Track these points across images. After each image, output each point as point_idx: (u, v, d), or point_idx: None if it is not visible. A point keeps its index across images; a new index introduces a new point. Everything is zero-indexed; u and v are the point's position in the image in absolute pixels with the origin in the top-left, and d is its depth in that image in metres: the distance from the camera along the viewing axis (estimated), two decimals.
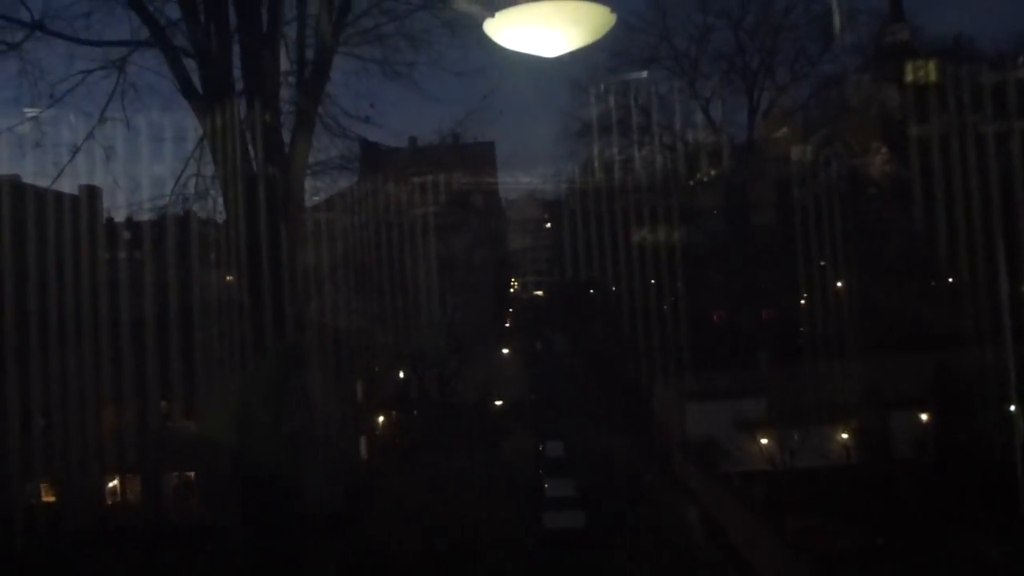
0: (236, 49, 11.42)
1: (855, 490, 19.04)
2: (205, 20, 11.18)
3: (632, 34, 27.69)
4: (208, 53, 11.13)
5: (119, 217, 23.03)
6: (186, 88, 11.34)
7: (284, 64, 11.72)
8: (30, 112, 12.93)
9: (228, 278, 18.62)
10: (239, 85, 11.50)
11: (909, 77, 30.38)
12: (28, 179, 21.11)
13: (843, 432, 21.43)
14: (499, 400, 25.58)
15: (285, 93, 11.87)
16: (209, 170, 11.86)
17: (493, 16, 9.12)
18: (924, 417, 21.71)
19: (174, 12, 11.59)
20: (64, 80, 11.72)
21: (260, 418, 12.77)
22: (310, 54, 11.83)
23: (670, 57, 28.56)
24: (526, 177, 33.98)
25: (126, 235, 23.51)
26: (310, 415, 16.60)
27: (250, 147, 11.24)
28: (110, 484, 20.55)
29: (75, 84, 11.69)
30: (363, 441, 22.67)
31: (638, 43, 28.05)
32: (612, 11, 9.22)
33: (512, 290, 34.52)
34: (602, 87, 26.68)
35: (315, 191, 18.00)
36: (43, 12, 11.54)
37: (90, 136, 11.82)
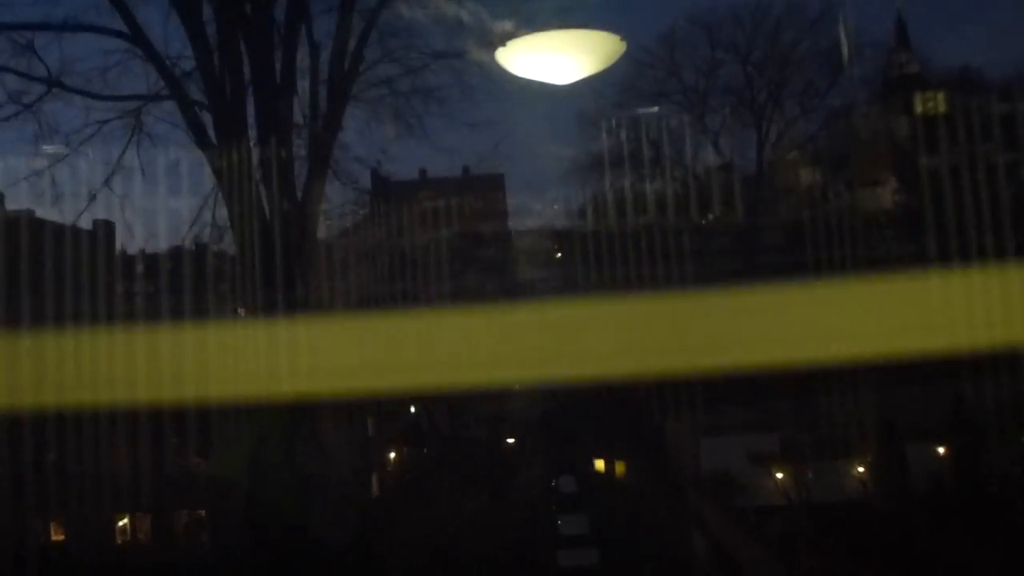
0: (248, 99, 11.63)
1: (872, 526, 18.79)
2: (220, 72, 11.38)
3: (641, 69, 28.06)
4: (223, 104, 11.31)
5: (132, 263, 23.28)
6: (201, 138, 11.54)
7: (297, 116, 11.94)
8: (48, 149, 13.13)
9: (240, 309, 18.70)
10: (252, 133, 11.69)
11: (918, 108, 30.52)
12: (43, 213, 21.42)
13: (859, 466, 21.20)
14: (510, 437, 25.45)
15: (298, 140, 12.07)
16: (222, 215, 12.02)
17: (505, 45, 9.10)
18: (941, 450, 21.45)
19: (188, 63, 11.81)
20: (80, 130, 11.97)
21: (272, 460, 12.76)
22: (323, 105, 12.03)
23: (679, 91, 28.90)
24: (537, 207, 34.10)
25: (140, 269, 23.69)
26: (323, 457, 16.54)
27: (263, 197, 11.39)
28: (120, 522, 20.48)
29: (91, 135, 11.93)
30: (374, 478, 22.57)
31: (647, 78, 28.42)
32: (622, 39, 9.19)
33: None
34: (612, 122, 26.89)
35: (327, 227, 18.20)
36: (60, 69, 11.80)
37: (106, 184, 12.05)
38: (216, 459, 19.56)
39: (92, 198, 12.38)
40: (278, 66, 11.45)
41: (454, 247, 28.77)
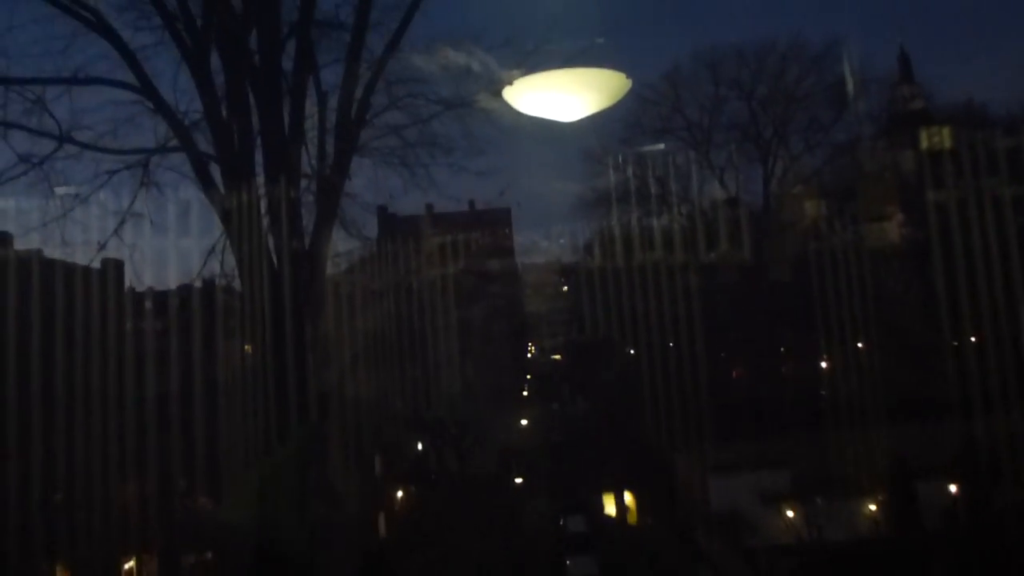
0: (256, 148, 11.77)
1: (885, 565, 18.56)
2: (228, 123, 11.52)
3: (645, 106, 28.36)
4: (231, 155, 11.45)
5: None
6: (208, 188, 11.69)
7: (305, 166, 12.08)
8: (61, 191, 13.30)
9: (247, 347, 18.71)
10: (259, 178, 11.82)
11: (924, 143, 30.64)
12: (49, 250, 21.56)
13: (870, 504, 21.00)
14: (519, 477, 25.30)
15: (305, 186, 12.17)
16: (229, 262, 12.12)
17: (513, 84, 9.17)
18: (952, 488, 21.23)
19: (196, 110, 11.97)
20: (90, 181, 12.11)
21: (282, 505, 12.72)
22: (330, 154, 12.17)
23: (683, 128, 29.16)
24: (543, 241, 34.27)
25: (149, 308, 23.75)
26: (333, 502, 16.44)
27: (271, 245, 11.51)
28: (127, 565, 20.35)
29: (100, 185, 12.09)
30: (381, 518, 22.40)
31: (651, 115, 28.71)
32: (627, 77, 9.26)
33: (529, 355, 34.38)
34: (619, 157, 27.12)
35: (334, 265, 18.30)
36: (70, 124, 11.96)
37: (115, 232, 12.19)
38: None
39: (102, 247, 12.50)
40: (286, 115, 11.62)
41: (461, 281, 28.87)
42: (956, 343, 25.42)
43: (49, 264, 21.47)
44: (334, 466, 16.74)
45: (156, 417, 19.90)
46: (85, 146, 11.84)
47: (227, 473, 19.32)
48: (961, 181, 24.27)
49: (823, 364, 27.71)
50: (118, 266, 23.05)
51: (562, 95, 9.24)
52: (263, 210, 11.44)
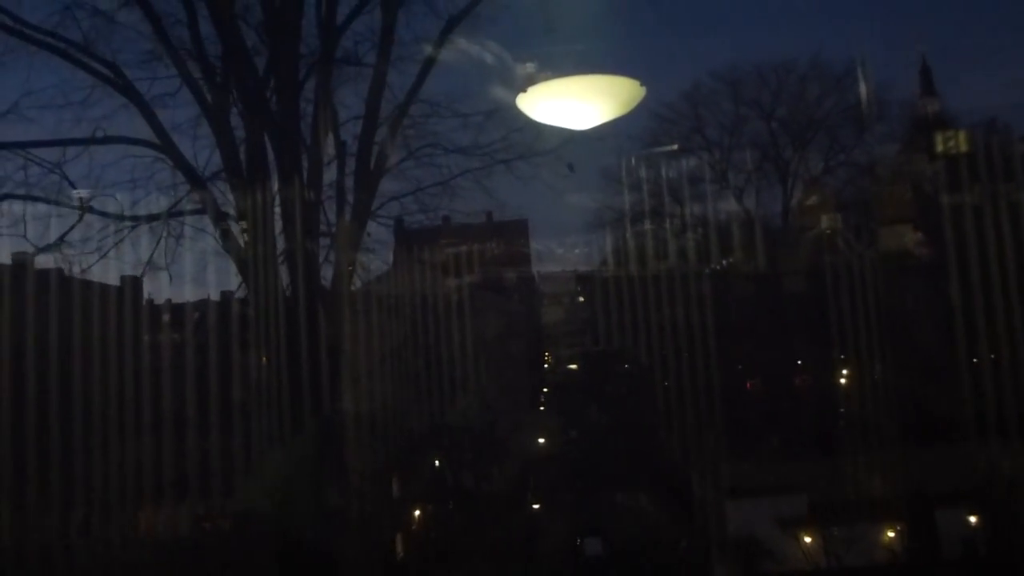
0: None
1: None
2: (248, 183, 11.58)
3: (663, 125, 28.39)
4: (249, 206, 11.52)
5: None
6: (226, 240, 11.77)
7: (322, 223, 12.14)
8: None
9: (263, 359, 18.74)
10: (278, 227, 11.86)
11: (939, 147, 30.34)
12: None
13: (889, 530, 20.91)
14: (534, 495, 25.35)
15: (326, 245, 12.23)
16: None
17: (526, 91, 9.11)
18: (971, 514, 21.07)
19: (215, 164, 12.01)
20: (110, 235, 12.23)
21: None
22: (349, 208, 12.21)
23: (702, 147, 29.12)
24: (560, 250, 34.25)
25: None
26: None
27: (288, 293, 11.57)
28: None
29: (121, 238, 12.22)
30: (399, 538, 22.48)
31: (670, 134, 28.68)
32: (641, 84, 9.19)
33: (546, 365, 34.42)
34: (634, 163, 27.10)
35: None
36: (89, 183, 12.06)
37: (137, 287, 12.25)
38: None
39: (120, 298, 12.61)
40: (305, 168, 11.67)
41: (477, 292, 28.89)
42: (976, 360, 25.12)
43: (67, 282, 21.58)
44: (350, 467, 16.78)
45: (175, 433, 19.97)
46: (106, 215, 11.96)
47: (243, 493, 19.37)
48: (978, 187, 23.95)
49: (842, 381, 27.56)
50: (136, 284, 23.24)
51: (576, 103, 9.14)
52: (281, 260, 11.50)
